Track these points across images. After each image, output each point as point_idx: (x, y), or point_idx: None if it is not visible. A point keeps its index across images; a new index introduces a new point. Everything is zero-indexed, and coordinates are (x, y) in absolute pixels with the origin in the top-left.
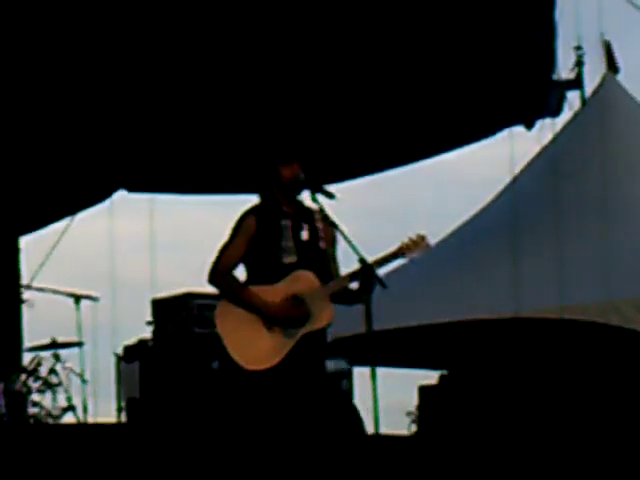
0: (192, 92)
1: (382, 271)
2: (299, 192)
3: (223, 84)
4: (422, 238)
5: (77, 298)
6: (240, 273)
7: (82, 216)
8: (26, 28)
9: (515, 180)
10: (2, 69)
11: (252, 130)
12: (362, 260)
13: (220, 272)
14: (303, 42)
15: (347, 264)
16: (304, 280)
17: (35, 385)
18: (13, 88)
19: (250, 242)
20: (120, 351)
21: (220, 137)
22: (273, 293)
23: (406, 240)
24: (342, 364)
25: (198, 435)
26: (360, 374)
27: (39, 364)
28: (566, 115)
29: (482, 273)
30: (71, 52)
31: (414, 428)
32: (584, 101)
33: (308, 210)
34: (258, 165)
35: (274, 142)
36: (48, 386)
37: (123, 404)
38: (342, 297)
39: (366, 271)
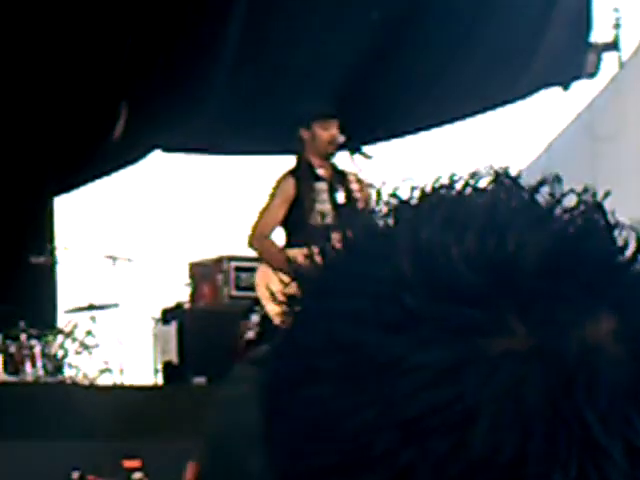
0: (224, 50)
1: None
2: (335, 154)
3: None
4: None
5: (114, 260)
6: (279, 237)
7: (118, 176)
8: None
9: (551, 143)
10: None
11: (286, 89)
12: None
13: (259, 236)
14: None
15: None
16: None
17: (72, 347)
18: (50, 45)
19: (289, 205)
20: (157, 313)
21: (255, 95)
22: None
23: None
24: None
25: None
26: None
27: (76, 326)
28: (603, 76)
29: None
30: None
31: None
32: (621, 63)
33: (343, 172)
34: (294, 125)
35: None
36: (85, 348)
37: (159, 367)
38: None
39: None
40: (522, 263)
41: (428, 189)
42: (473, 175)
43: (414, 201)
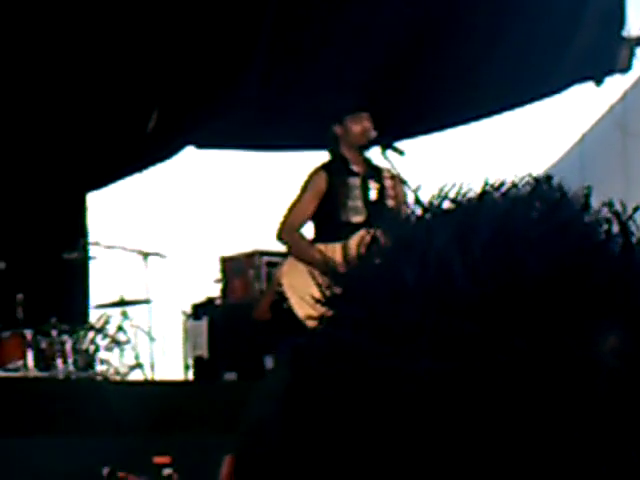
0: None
1: None
2: (368, 148)
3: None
4: None
5: (145, 255)
6: (308, 231)
7: (150, 172)
8: None
9: (583, 138)
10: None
11: (318, 84)
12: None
13: (288, 229)
14: None
15: None
16: None
17: (103, 342)
18: (83, 38)
19: (320, 199)
20: (188, 309)
21: (287, 91)
22: (338, 251)
23: None
24: None
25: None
26: None
27: (107, 322)
28: (635, 72)
29: None
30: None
31: None
32: None
33: (377, 168)
34: (327, 119)
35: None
36: (116, 343)
37: (190, 362)
38: None
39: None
40: (526, 277)
41: (450, 195)
42: (498, 183)
43: (435, 209)
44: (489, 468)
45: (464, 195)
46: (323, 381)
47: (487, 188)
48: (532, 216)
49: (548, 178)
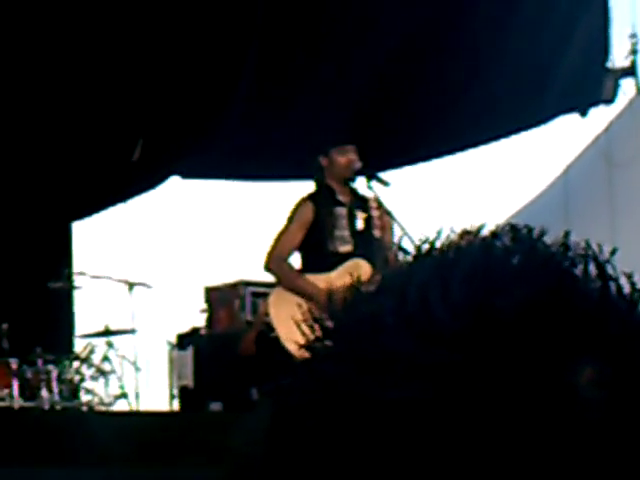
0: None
1: None
2: (353, 179)
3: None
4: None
5: (130, 285)
6: (294, 262)
7: (135, 202)
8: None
9: (568, 168)
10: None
11: (302, 115)
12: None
13: (277, 259)
14: None
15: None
16: (358, 269)
17: (88, 372)
18: (68, 68)
19: (306, 229)
20: (173, 339)
21: (272, 122)
22: (326, 282)
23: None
24: None
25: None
26: None
27: (92, 351)
28: (620, 103)
29: None
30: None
31: None
32: (638, 89)
33: (363, 198)
34: (312, 151)
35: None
36: (101, 373)
37: (176, 392)
38: None
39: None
40: (502, 309)
41: (431, 240)
42: (477, 227)
43: (416, 254)
44: None
45: (446, 239)
46: (304, 413)
47: (466, 233)
48: (509, 256)
49: (528, 227)
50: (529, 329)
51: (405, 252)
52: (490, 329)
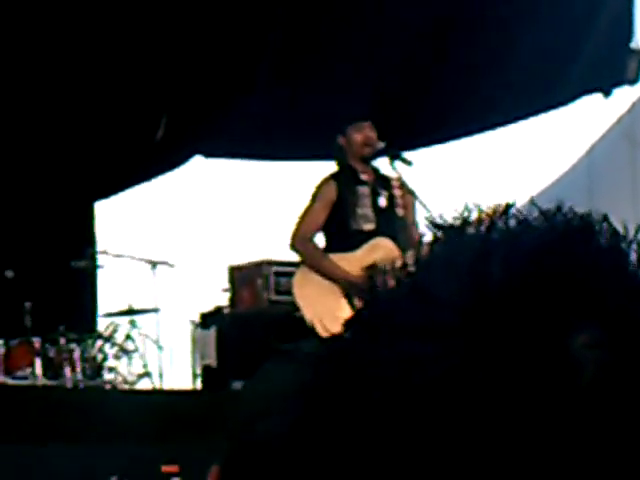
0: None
1: None
2: (374, 157)
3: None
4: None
5: (153, 264)
6: (319, 241)
7: (158, 181)
8: None
9: (591, 149)
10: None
11: (327, 94)
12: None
13: (301, 238)
14: None
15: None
16: (383, 248)
17: (111, 351)
18: (93, 46)
19: (330, 209)
20: (196, 318)
21: (295, 101)
22: (352, 261)
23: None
24: None
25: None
26: None
27: (115, 330)
28: None
29: None
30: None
31: None
32: None
33: (386, 177)
34: (333, 130)
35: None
36: (124, 352)
37: (198, 371)
38: None
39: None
40: (495, 282)
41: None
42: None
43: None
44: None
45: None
46: (342, 395)
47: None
48: (535, 234)
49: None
50: (529, 297)
51: (434, 229)
52: (492, 300)
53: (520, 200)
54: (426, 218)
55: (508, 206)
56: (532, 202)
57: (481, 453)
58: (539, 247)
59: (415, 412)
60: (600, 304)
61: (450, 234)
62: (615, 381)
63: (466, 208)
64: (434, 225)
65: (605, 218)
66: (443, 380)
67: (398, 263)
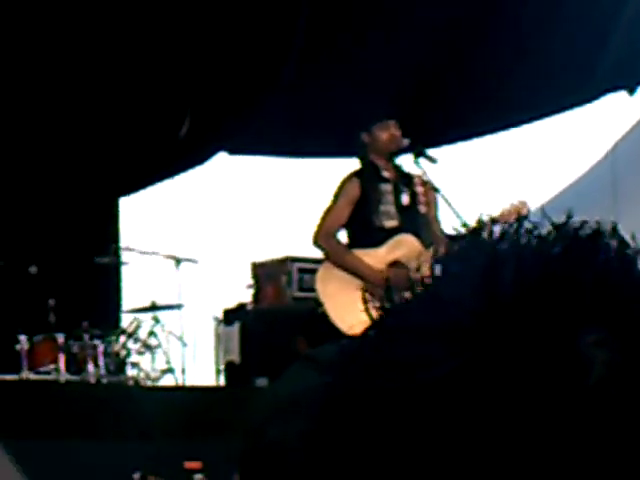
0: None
1: None
2: (397, 154)
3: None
4: (523, 204)
5: (177, 261)
6: (342, 238)
7: (182, 178)
8: None
9: (615, 147)
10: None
11: (350, 90)
12: (465, 225)
13: (325, 234)
14: None
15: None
16: (406, 244)
17: (134, 347)
18: (118, 41)
19: (353, 205)
20: (219, 314)
21: (319, 98)
22: (375, 257)
23: (507, 206)
24: None
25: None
26: None
27: (138, 326)
28: None
29: None
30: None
31: None
32: None
33: (408, 175)
34: (358, 127)
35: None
36: (147, 348)
37: (222, 367)
38: None
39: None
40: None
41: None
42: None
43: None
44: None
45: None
46: (369, 396)
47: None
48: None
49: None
50: (539, 301)
51: (458, 229)
52: (503, 304)
53: (540, 200)
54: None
55: (520, 217)
56: (543, 212)
57: (493, 451)
58: (548, 255)
59: (428, 411)
60: (607, 307)
61: (465, 242)
62: (623, 381)
63: (480, 219)
64: (450, 237)
65: (614, 228)
66: (454, 380)
67: (422, 260)
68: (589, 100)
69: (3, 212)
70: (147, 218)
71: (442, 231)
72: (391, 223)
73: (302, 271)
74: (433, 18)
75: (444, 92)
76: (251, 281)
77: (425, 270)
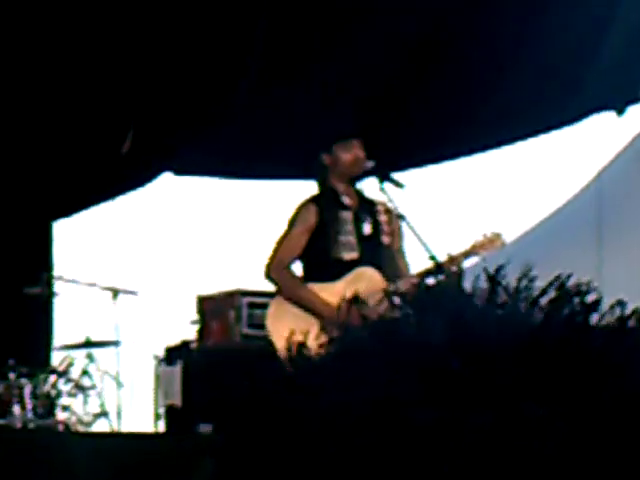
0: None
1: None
2: (360, 179)
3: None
4: (497, 236)
5: (115, 292)
6: (296, 270)
7: (123, 200)
8: None
9: (601, 172)
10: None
11: (308, 108)
12: (432, 258)
13: (278, 267)
14: None
15: (414, 262)
16: (367, 279)
17: (65, 388)
18: (51, 49)
19: (309, 235)
20: (161, 353)
21: (274, 116)
22: (332, 292)
23: (480, 238)
24: None
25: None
26: None
27: (71, 364)
28: None
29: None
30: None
31: None
32: None
33: (370, 201)
34: (316, 147)
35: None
36: (80, 389)
37: (162, 412)
38: None
39: (437, 271)
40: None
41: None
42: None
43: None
44: None
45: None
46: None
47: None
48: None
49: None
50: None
51: (436, 262)
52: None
53: (518, 230)
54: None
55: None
56: (483, 267)
57: None
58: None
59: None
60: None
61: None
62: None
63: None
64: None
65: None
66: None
67: (381, 295)
68: (574, 121)
69: None
70: (83, 245)
71: (407, 264)
72: (351, 255)
73: (252, 306)
74: (401, 33)
75: (413, 110)
76: (196, 316)
77: (384, 307)
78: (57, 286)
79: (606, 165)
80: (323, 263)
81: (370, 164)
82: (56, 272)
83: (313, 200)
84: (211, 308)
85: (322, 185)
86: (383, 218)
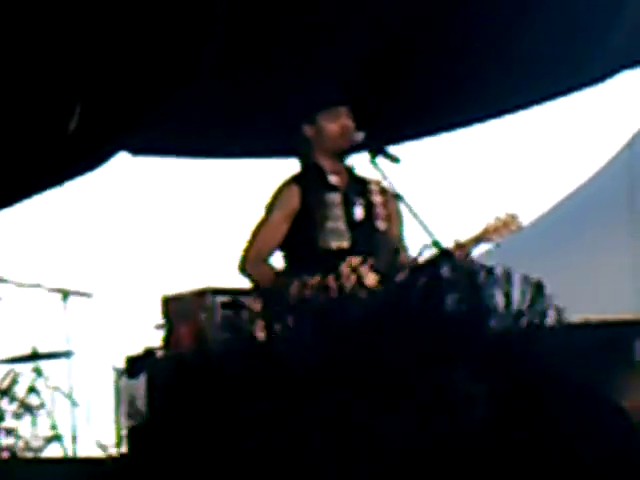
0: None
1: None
2: (349, 152)
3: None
4: (513, 218)
5: (65, 294)
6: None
7: (72, 186)
8: None
9: (633, 138)
10: None
11: (286, 73)
12: (436, 245)
13: (255, 260)
14: None
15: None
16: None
17: (10, 408)
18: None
19: (291, 220)
20: (121, 363)
21: (247, 83)
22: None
23: (492, 221)
24: None
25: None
26: None
27: (15, 381)
28: None
29: (595, 260)
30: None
31: None
32: None
33: (362, 180)
34: (297, 118)
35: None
36: (26, 409)
37: (123, 432)
38: None
39: (442, 260)
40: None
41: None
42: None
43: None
44: None
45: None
46: None
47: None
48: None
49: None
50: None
51: (441, 249)
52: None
53: (538, 210)
54: None
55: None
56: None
57: None
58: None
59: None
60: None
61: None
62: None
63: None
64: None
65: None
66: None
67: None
68: (600, 79)
69: None
70: (25, 240)
71: (406, 251)
72: (340, 243)
73: (226, 306)
74: None
75: (408, 74)
76: (162, 320)
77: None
78: None
79: (639, 130)
80: (308, 254)
81: (360, 136)
82: None
83: (295, 180)
84: (178, 310)
85: (305, 162)
86: (377, 199)
